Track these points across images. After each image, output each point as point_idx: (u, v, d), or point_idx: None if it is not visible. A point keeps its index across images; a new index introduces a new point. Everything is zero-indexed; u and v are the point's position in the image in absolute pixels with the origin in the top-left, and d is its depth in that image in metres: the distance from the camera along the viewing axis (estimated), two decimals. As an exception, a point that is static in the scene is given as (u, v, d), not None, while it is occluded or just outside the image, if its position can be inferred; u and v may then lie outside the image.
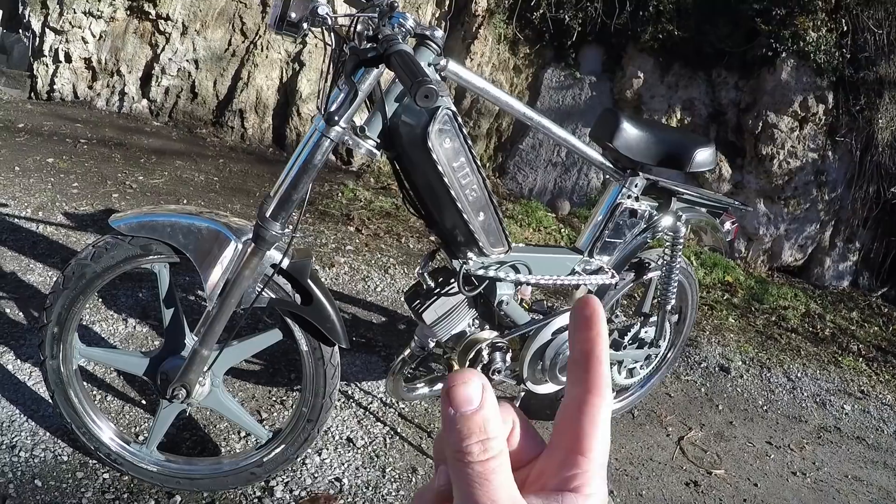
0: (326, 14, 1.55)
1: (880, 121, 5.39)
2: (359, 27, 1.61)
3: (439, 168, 1.64)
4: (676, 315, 2.71)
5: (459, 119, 1.64)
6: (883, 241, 5.70)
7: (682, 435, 2.83)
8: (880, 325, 4.97)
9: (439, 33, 1.63)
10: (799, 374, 3.73)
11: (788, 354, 3.99)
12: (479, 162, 1.71)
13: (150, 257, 1.69)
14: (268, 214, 1.58)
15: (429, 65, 1.63)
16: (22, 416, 2.05)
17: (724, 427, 3.00)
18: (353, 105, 1.53)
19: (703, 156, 2.22)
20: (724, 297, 4.72)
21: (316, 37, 1.60)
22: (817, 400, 3.50)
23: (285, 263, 1.65)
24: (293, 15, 1.53)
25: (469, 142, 1.67)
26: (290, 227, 1.66)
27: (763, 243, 5.65)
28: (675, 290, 2.40)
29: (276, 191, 1.61)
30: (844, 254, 5.77)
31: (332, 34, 1.59)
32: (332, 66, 1.60)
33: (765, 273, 5.61)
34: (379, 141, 1.65)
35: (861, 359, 4.22)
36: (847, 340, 4.46)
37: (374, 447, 2.26)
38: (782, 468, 2.80)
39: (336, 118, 1.51)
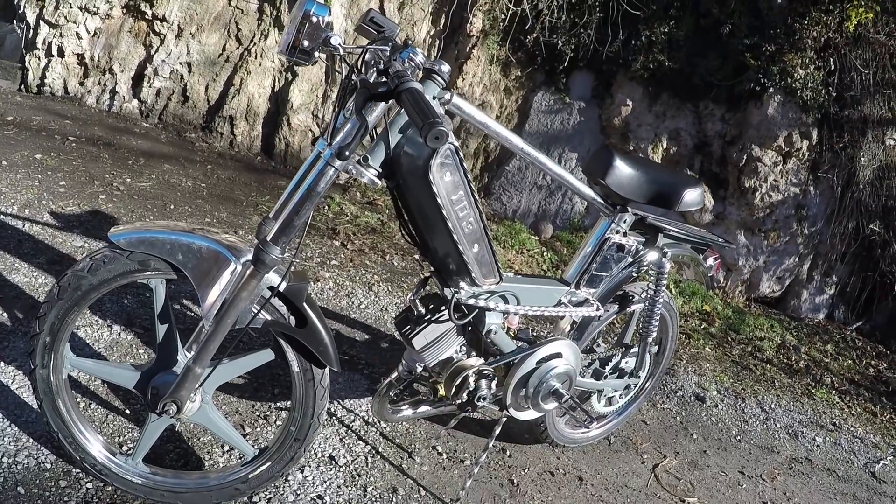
0: (338, 44, 1.59)
1: (862, 158, 5.51)
2: (367, 56, 1.65)
3: (438, 200, 1.68)
4: (657, 346, 2.76)
5: (461, 154, 1.68)
6: (860, 276, 5.81)
7: (657, 462, 2.88)
8: (854, 358, 5.07)
9: (446, 68, 1.67)
10: (773, 405, 3.80)
11: (763, 385, 4.06)
12: (476, 196, 1.75)
13: (148, 273, 1.70)
14: (269, 238, 1.61)
15: (434, 97, 1.67)
16: (5, 421, 2.04)
17: (697, 455, 3.05)
18: (362, 138, 1.56)
19: (692, 196, 2.28)
20: (702, 326, 4.79)
21: (325, 62, 1.64)
22: (790, 431, 3.57)
23: (283, 287, 1.67)
24: (305, 43, 1.56)
25: (468, 176, 1.71)
26: (290, 250, 1.69)
27: (742, 274, 5.74)
28: (657, 322, 2.45)
29: (276, 214, 1.63)
30: (822, 287, 5.88)
31: (342, 63, 1.63)
32: (339, 93, 1.63)
33: (743, 303, 5.70)
34: (381, 170, 1.69)
35: (834, 391, 4.30)
36: (821, 373, 4.55)
37: (356, 466, 2.28)
38: (754, 498, 2.86)
39: (346, 153, 1.54)
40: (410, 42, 1.59)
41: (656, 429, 3.17)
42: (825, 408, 4.01)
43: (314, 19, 1.54)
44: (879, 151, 5.56)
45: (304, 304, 1.72)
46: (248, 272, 1.64)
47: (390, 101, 1.54)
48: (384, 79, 1.52)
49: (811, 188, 5.67)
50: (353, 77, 1.60)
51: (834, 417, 3.91)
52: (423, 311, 1.94)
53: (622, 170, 2.17)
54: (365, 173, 1.64)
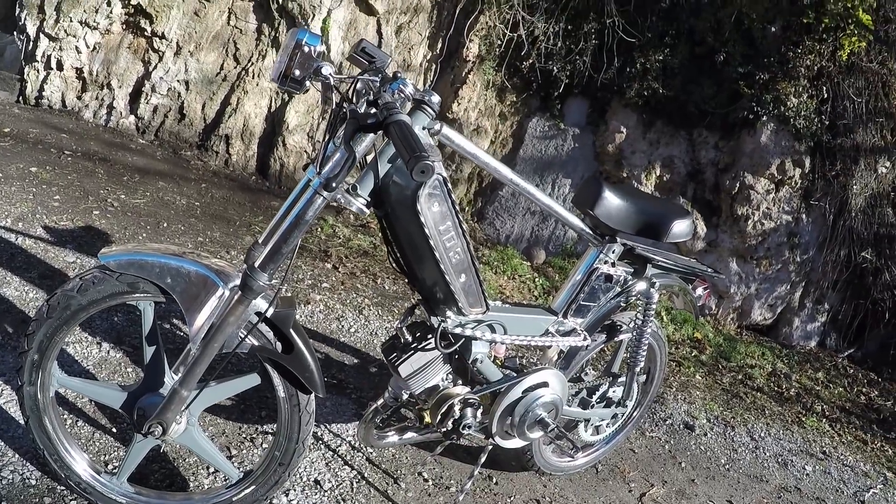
0: (329, 74, 1.61)
1: (854, 186, 5.55)
2: (358, 85, 1.67)
3: (426, 230, 1.69)
4: (645, 376, 2.77)
5: (449, 185, 1.69)
6: (851, 304, 5.83)
7: (645, 491, 2.88)
8: (845, 385, 5.08)
9: (436, 98, 1.69)
10: (762, 434, 3.80)
11: (753, 413, 4.06)
12: (464, 226, 1.77)
13: (137, 295, 1.71)
14: (257, 265, 1.62)
15: (423, 128, 1.69)
16: (-9, 436, 2.05)
17: (685, 485, 3.05)
18: (350, 169, 1.58)
19: (680, 227, 2.29)
20: (693, 354, 4.80)
21: (317, 90, 1.65)
22: (779, 460, 3.57)
23: (270, 313, 1.69)
24: (297, 72, 1.58)
25: (456, 207, 1.72)
26: (278, 277, 1.70)
27: (733, 301, 5.76)
28: (644, 352, 2.46)
29: (265, 240, 1.65)
30: (813, 314, 5.89)
31: (332, 92, 1.65)
32: (329, 122, 1.65)
33: (734, 331, 5.72)
34: (369, 199, 1.70)
35: (825, 419, 4.30)
36: (812, 401, 4.55)
37: (341, 491, 2.28)
38: (740, 530, 2.86)
39: (334, 184, 1.56)
40: (400, 73, 1.61)
41: (644, 457, 3.17)
42: (815, 436, 4.01)
43: (306, 49, 1.56)
44: (872, 179, 5.61)
45: (291, 331, 1.73)
46: (235, 297, 1.65)
47: (379, 132, 1.56)
48: (373, 110, 1.54)
49: (803, 216, 5.70)
50: (344, 107, 1.62)
51: (824, 446, 3.91)
52: (409, 338, 1.95)
53: (611, 200, 2.18)
54: (354, 202, 1.66)
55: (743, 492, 3.15)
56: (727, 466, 3.34)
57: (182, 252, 1.74)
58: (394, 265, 1.94)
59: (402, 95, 1.60)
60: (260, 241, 1.66)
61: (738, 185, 5.61)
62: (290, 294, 3.53)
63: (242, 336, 1.69)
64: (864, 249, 5.59)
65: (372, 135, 1.60)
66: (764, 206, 5.60)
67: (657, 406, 3.72)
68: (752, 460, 3.49)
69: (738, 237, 5.68)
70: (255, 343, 1.74)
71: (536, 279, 5.19)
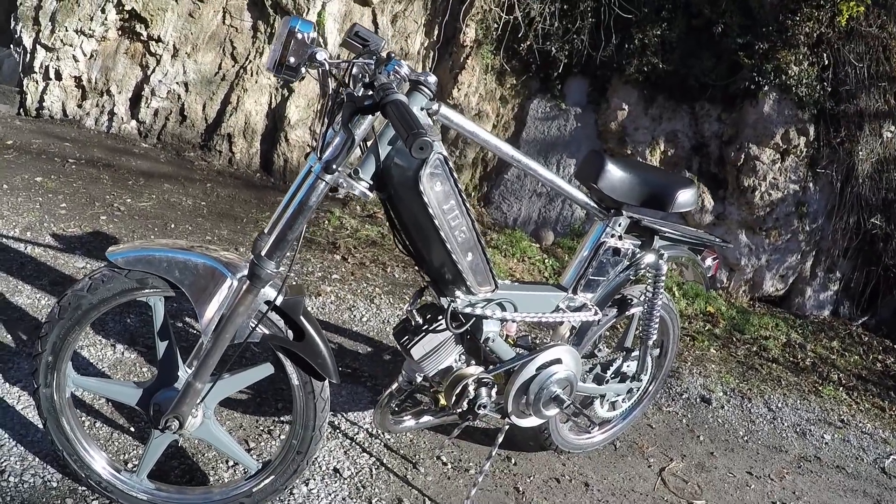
0: (324, 60, 1.61)
1: (860, 153, 5.51)
2: (354, 71, 1.66)
3: (430, 210, 1.69)
4: (658, 349, 2.76)
5: (450, 163, 1.69)
6: (863, 271, 5.80)
7: (664, 466, 2.88)
8: (860, 353, 5.05)
9: (432, 79, 1.69)
10: (779, 405, 3.79)
11: (769, 384, 4.05)
12: (468, 204, 1.76)
13: (146, 291, 1.72)
14: (263, 253, 1.62)
15: (421, 109, 1.69)
16: (11, 440, 2.06)
17: (705, 458, 3.04)
18: (349, 151, 1.58)
19: (685, 197, 2.28)
20: (706, 328, 4.79)
21: (313, 78, 1.65)
22: (797, 430, 3.56)
23: (279, 301, 1.69)
24: (291, 59, 1.58)
25: (459, 185, 1.72)
26: (285, 265, 1.70)
27: (745, 274, 5.73)
28: (656, 325, 2.46)
29: (270, 229, 1.65)
30: (825, 283, 5.87)
31: (328, 78, 1.64)
32: (326, 108, 1.65)
33: (746, 303, 5.70)
34: (372, 182, 1.70)
35: (841, 388, 4.29)
36: (827, 370, 4.54)
37: (361, 478, 2.29)
38: (763, 498, 2.85)
39: (334, 166, 1.56)
40: (394, 55, 1.61)
41: (662, 432, 3.16)
42: (833, 405, 4.00)
43: (299, 36, 1.56)
44: (877, 145, 5.56)
45: (301, 318, 1.74)
46: (244, 287, 1.65)
47: (377, 114, 1.56)
48: (370, 92, 1.54)
49: (810, 185, 5.67)
50: (341, 91, 1.62)
51: (842, 414, 3.90)
52: (420, 321, 1.95)
53: (614, 173, 2.18)
54: (356, 186, 1.66)
55: (763, 462, 3.15)
56: (745, 438, 3.34)
57: (190, 246, 1.75)
58: (400, 248, 1.94)
59: (398, 76, 1.60)
60: (265, 230, 1.66)
61: (743, 156, 5.58)
62: (299, 283, 3.54)
63: (253, 325, 1.70)
64: (873, 216, 5.55)
65: (370, 117, 1.60)
66: (770, 176, 5.56)
67: (673, 381, 3.72)
68: (771, 431, 3.49)
69: (746, 209, 5.65)
70: (266, 332, 1.74)
71: (546, 260, 5.18)
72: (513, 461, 2.59)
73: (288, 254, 1.68)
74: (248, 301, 1.65)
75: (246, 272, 1.66)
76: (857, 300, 5.86)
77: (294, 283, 2.90)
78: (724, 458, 3.10)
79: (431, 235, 1.76)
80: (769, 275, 5.73)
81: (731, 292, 5.75)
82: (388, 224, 1.91)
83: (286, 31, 1.57)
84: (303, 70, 1.61)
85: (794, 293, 5.87)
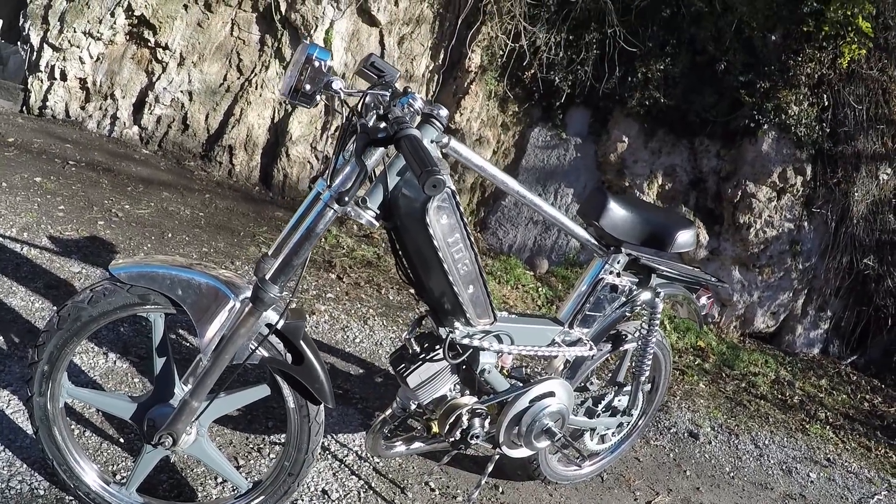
0: (339, 89, 1.63)
1: (856, 194, 5.57)
2: (367, 99, 1.68)
3: (435, 242, 1.71)
4: (650, 385, 2.78)
5: (458, 197, 1.71)
6: (854, 311, 5.84)
7: (650, 500, 2.88)
8: (848, 392, 5.08)
9: (444, 112, 1.71)
10: (766, 441, 3.80)
11: (757, 421, 4.06)
12: (472, 238, 1.78)
13: (148, 307, 1.72)
14: (268, 277, 1.63)
15: (432, 141, 1.71)
16: (-1, 446, 2.05)
17: (691, 493, 3.05)
18: (361, 183, 1.60)
19: (685, 238, 2.31)
20: (696, 362, 4.81)
21: (326, 102, 1.67)
22: (784, 467, 3.58)
23: (280, 324, 1.70)
24: (307, 87, 1.60)
25: (465, 219, 1.74)
26: (288, 289, 1.71)
27: (736, 309, 5.76)
28: (650, 361, 2.47)
29: (275, 252, 1.66)
30: (816, 322, 5.90)
31: (342, 106, 1.66)
32: (339, 136, 1.67)
33: (737, 339, 5.72)
34: (378, 212, 1.72)
35: (828, 426, 4.31)
36: (815, 408, 4.56)
37: (349, 500, 2.28)
38: (745, 538, 2.86)
39: (346, 199, 1.58)
40: (410, 89, 1.63)
41: (649, 465, 3.17)
42: (819, 443, 4.01)
43: (316, 63, 1.58)
44: (873, 186, 5.62)
45: (301, 342, 1.74)
46: (246, 309, 1.66)
47: (389, 146, 1.58)
48: (383, 124, 1.56)
49: (805, 223, 5.72)
50: (354, 120, 1.63)
51: (828, 453, 3.91)
52: (417, 349, 1.96)
53: (616, 212, 2.20)
54: (363, 215, 1.67)
55: (748, 499, 3.16)
56: (732, 474, 3.35)
57: (191, 264, 1.76)
58: (402, 277, 1.95)
59: (412, 110, 1.62)
60: (269, 252, 1.67)
61: (739, 193, 5.62)
62: (299, 307, 3.54)
63: (253, 348, 1.70)
64: (866, 256, 5.60)
65: (382, 149, 1.62)
66: (766, 213, 5.61)
67: (662, 415, 3.72)
68: (757, 468, 3.50)
69: (741, 245, 5.69)
70: (266, 354, 1.75)
71: (539, 288, 5.20)
72: (500, 490, 2.59)
73: (292, 278, 1.69)
74: (250, 323, 1.66)
75: (249, 294, 1.67)
76: (846, 339, 5.89)
77: (294, 306, 2.90)
78: (710, 493, 3.10)
79: (434, 266, 1.78)
80: (761, 311, 5.77)
81: (723, 327, 5.78)
82: (390, 251, 1.92)
83: (304, 57, 1.59)
84: (317, 98, 1.63)
85: (785, 330, 5.90)
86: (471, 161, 1.82)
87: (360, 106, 1.67)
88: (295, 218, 1.68)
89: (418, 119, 1.68)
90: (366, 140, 1.56)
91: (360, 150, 1.56)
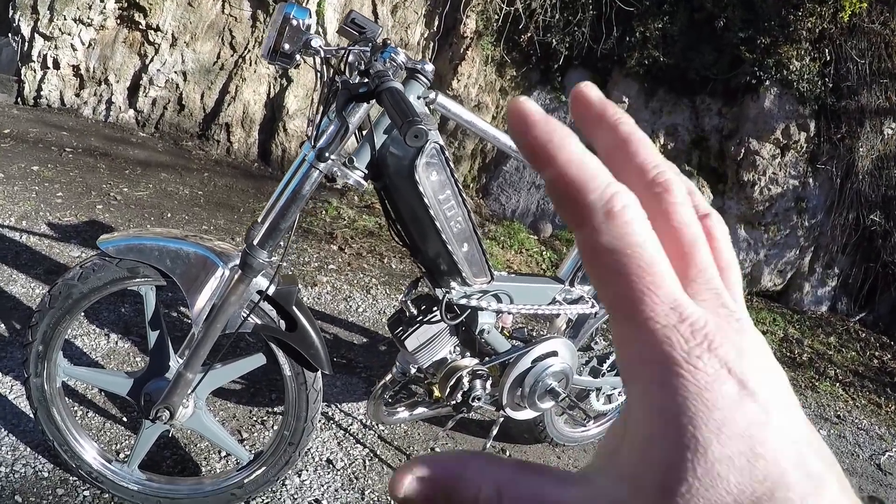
0: (319, 46, 1.58)
1: (861, 149, 5.49)
2: (350, 58, 1.64)
3: (425, 200, 1.67)
4: (655, 343, 2.74)
5: (447, 153, 1.67)
6: (861, 267, 5.78)
7: (659, 460, 2.86)
8: (857, 349, 5.04)
9: (429, 67, 1.67)
10: (775, 400, 3.78)
11: (765, 379, 4.03)
12: (464, 195, 1.74)
13: (137, 280, 1.70)
14: (255, 242, 1.61)
15: (418, 97, 1.67)
16: (2, 430, 2.05)
17: (699, 452, 3.03)
18: (343, 139, 1.56)
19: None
20: (703, 322, 4.77)
21: (309, 66, 1.63)
22: (793, 425, 3.55)
23: (271, 290, 1.67)
24: (286, 46, 1.56)
25: (455, 175, 1.70)
26: (277, 254, 1.68)
27: (743, 268, 5.72)
28: (654, 318, 2.44)
29: (263, 218, 1.63)
30: (823, 279, 5.85)
31: (324, 65, 1.62)
32: (322, 96, 1.63)
33: (744, 297, 5.68)
34: (367, 172, 1.68)
35: (838, 383, 4.28)
36: (824, 365, 4.52)
37: (354, 469, 2.28)
38: (756, 495, 2.83)
39: (327, 154, 1.54)
40: (391, 42, 1.58)
41: (658, 425, 3.15)
42: (829, 400, 3.99)
43: (294, 23, 1.54)
44: (878, 141, 5.54)
45: (294, 308, 1.72)
46: (236, 276, 1.63)
47: (372, 102, 1.54)
48: (365, 80, 1.52)
49: (810, 180, 5.65)
50: (336, 79, 1.60)
51: (838, 410, 3.89)
52: (415, 312, 1.93)
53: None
54: (351, 175, 1.63)
55: (758, 457, 3.13)
56: (741, 432, 3.32)
57: (184, 235, 1.73)
58: (395, 238, 1.92)
59: (395, 64, 1.58)
60: (259, 219, 1.64)
61: (743, 151, 5.56)
62: (292, 273, 3.52)
63: (245, 315, 1.68)
64: (872, 212, 5.53)
65: (365, 105, 1.58)
66: (770, 171, 5.54)
67: (669, 375, 3.70)
68: (767, 425, 3.47)
69: (745, 203, 5.63)
70: (258, 322, 1.72)
71: (544, 252, 5.16)
72: (507, 453, 2.58)
73: (281, 243, 1.67)
74: (240, 291, 1.63)
75: (238, 261, 1.64)
76: (854, 296, 5.85)
77: (288, 272, 2.88)
78: (720, 452, 3.08)
79: (427, 225, 1.74)
80: (767, 270, 5.72)
81: (730, 287, 5.73)
82: (383, 214, 1.89)
83: (281, 17, 1.55)
84: (298, 57, 1.59)
85: (792, 288, 5.86)
86: (460, 116, 1.78)
87: (342, 64, 1.63)
88: (283, 183, 1.65)
89: (403, 74, 1.64)
90: (347, 96, 1.52)
91: (340, 107, 1.53)
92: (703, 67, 5.58)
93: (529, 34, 5.65)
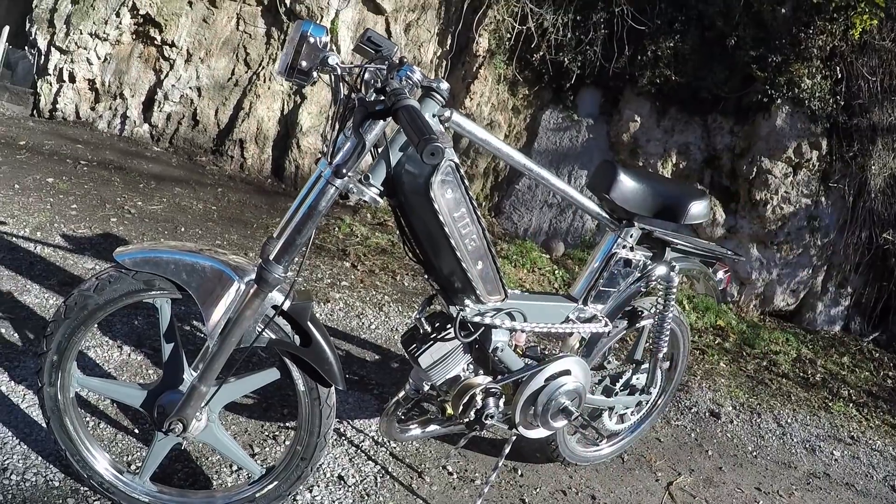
0: (336, 64, 1.60)
1: (873, 167, 5.48)
2: (366, 76, 1.65)
3: (440, 217, 1.68)
4: (668, 362, 2.73)
5: (461, 171, 1.68)
6: (874, 286, 5.76)
7: (672, 480, 2.85)
8: (871, 369, 5.01)
9: (445, 85, 1.68)
10: (789, 420, 3.75)
11: (779, 399, 4.01)
12: (479, 212, 1.75)
13: (153, 292, 1.71)
14: (271, 257, 1.61)
15: (433, 115, 1.67)
16: (14, 438, 2.05)
17: (713, 473, 3.01)
18: (359, 156, 1.57)
19: (698, 208, 2.26)
20: (716, 342, 4.75)
21: (325, 83, 1.65)
22: (807, 446, 3.52)
23: (286, 305, 1.68)
24: (304, 64, 1.58)
25: (470, 193, 1.70)
26: (293, 270, 1.69)
27: (756, 288, 5.70)
28: (667, 338, 2.43)
29: (279, 234, 1.64)
30: (836, 298, 5.82)
31: (340, 83, 1.64)
32: (338, 113, 1.64)
33: (757, 317, 5.66)
34: (382, 188, 1.69)
35: (851, 404, 4.24)
36: (838, 385, 4.49)
37: (365, 486, 2.27)
38: (770, 516, 2.82)
39: (343, 170, 1.55)
40: (406, 60, 1.59)
41: (670, 446, 3.13)
42: (843, 421, 3.95)
43: (311, 40, 1.55)
44: (890, 159, 5.53)
45: (308, 323, 1.72)
46: (251, 291, 1.64)
47: (388, 119, 1.55)
48: (382, 97, 1.53)
49: (822, 199, 5.64)
50: (352, 97, 1.61)
51: (852, 430, 3.85)
52: (428, 329, 1.93)
53: (626, 183, 2.16)
54: (366, 192, 1.64)
55: (771, 478, 3.11)
56: (754, 453, 3.30)
57: (199, 249, 1.74)
58: (410, 255, 1.92)
59: (410, 82, 1.58)
60: (274, 234, 1.65)
61: (755, 169, 5.55)
62: (306, 288, 3.53)
63: (260, 330, 1.69)
64: (885, 230, 5.51)
65: (381, 122, 1.58)
66: (782, 190, 5.54)
67: (682, 394, 3.68)
68: (780, 447, 3.45)
69: (758, 222, 5.62)
70: (273, 337, 1.73)
71: (556, 271, 5.16)
72: (519, 472, 2.57)
73: (297, 259, 1.67)
74: (255, 305, 1.63)
75: (253, 276, 1.65)
76: (868, 316, 5.81)
77: (302, 288, 2.89)
78: (733, 473, 3.06)
79: (441, 243, 1.75)
80: (780, 289, 5.70)
81: (742, 306, 5.71)
82: (398, 231, 1.89)
83: (298, 35, 1.56)
84: (315, 74, 1.60)
85: (805, 308, 5.83)
86: (474, 135, 1.78)
87: (358, 81, 1.65)
88: (299, 198, 1.65)
89: (419, 93, 1.65)
90: (364, 113, 1.53)
91: (357, 124, 1.54)
92: (715, 86, 5.60)
93: (542, 53, 5.68)
